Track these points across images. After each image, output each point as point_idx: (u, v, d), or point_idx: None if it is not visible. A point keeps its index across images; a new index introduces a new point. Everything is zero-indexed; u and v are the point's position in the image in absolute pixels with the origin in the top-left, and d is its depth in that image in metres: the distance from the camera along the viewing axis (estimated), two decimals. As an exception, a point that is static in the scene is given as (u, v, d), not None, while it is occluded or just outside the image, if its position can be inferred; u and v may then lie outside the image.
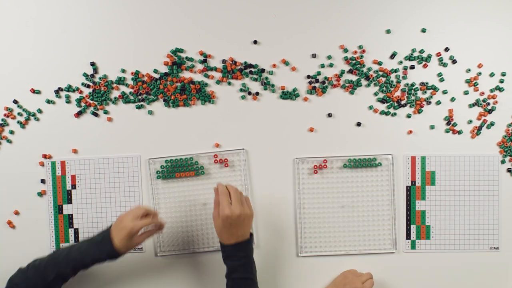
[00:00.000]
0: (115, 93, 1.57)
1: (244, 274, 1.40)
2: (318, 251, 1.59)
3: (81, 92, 1.57)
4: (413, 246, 1.59)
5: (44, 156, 1.57)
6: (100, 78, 1.56)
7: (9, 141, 1.57)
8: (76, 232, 1.58)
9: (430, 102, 1.58)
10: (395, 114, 1.58)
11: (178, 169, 1.57)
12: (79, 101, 1.56)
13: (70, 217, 1.58)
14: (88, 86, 1.56)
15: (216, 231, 1.41)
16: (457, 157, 1.58)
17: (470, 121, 1.58)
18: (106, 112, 1.57)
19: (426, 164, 1.58)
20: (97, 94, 1.56)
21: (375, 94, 1.58)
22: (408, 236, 1.59)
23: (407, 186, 1.59)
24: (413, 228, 1.59)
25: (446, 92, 1.58)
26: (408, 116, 1.58)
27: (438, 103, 1.58)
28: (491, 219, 1.59)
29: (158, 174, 1.57)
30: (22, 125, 1.56)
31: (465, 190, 1.59)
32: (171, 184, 1.58)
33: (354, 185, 1.58)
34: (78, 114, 1.56)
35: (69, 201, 1.58)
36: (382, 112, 1.58)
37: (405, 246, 1.59)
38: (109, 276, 1.58)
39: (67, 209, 1.58)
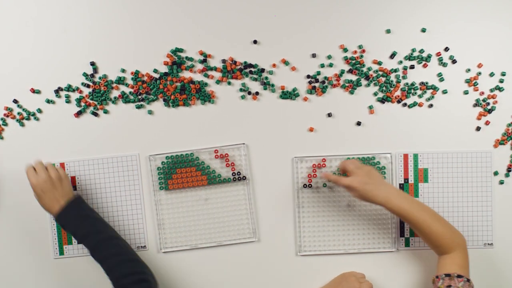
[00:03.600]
0: (115, 93, 1.57)
1: (87, 229, 1.44)
2: (317, 250, 1.60)
3: (81, 92, 1.57)
4: (407, 243, 1.60)
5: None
6: (100, 78, 1.56)
7: (9, 141, 1.57)
8: (79, 233, 1.59)
9: (431, 105, 1.58)
10: (394, 113, 1.58)
11: (178, 165, 1.57)
12: (79, 101, 1.56)
13: (72, 218, 1.59)
14: (88, 86, 1.56)
15: (41, 205, 1.47)
16: (449, 154, 1.58)
17: (470, 121, 1.58)
18: (106, 112, 1.57)
19: (419, 161, 1.59)
20: (97, 94, 1.56)
21: (375, 94, 1.58)
22: (402, 233, 1.60)
23: (400, 184, 1.59)
24: (407, 225, 1.60)
25: (446, 92, 1.58)
26: (408, 115, 1.58)
27: (438, 103, 1.58)
28: (484, 216, 1.59)
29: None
30: (22, 124, 1.57)
31: (458, 187, 1.59)
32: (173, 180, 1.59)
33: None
34: (78, 114, 1.57)
35: (71, 203, 1.58)
36: (382, 112, 1.58)
37: (399, 243, 1.60)
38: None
39: (69, 211, 1.58)
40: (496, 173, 1.59)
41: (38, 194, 1.45)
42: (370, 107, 1.58)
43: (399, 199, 1.41)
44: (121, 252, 1.44)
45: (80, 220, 1.44)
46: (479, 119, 1.58)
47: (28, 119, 1.57)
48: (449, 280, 1.35)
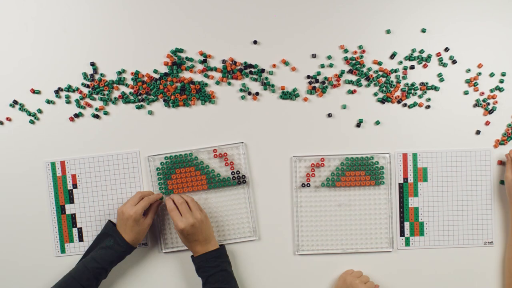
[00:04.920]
0: (115, 93, 1.57)
1: (216, 285, 1.45)
2: (315, 249, 1.60)
3: (81, 92, 1.57)
4: (407, 243, 1.61)
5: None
6: (99, 79, 1.56)
7: (10, 141, 1.57)
8: (80, 231, 1.59)
9: (431, 105, 1.58)
10: (394, 113, 1.58)
11: (178, 165, 1.58)
12: (78, 101, 1.57)
13: (73, 216, 1.59)
14: (88, 86, 1.57)
15: (184, 244, 1.51)
16: (448, 153, 1.58)
17: (470, 121, 1.58)
18: (106, 113, 1.57)
19: (418, 160, 1.59)
20: (97, 89, 1.56)
21: (375, 94, 1.58)
22: (402, 233, 1.60)
23: (399, 183, 1.60)
24: (406, 225, 1.60)
25: (446, 92, 1.58)
26: (408, 115, 1.59)
27: (438, 103, 1.58)
28: (484, 214, 1.60)
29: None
30: (23, 125, 1.57)
31: (458, 186, 1.59)
32: (173, 180, 1.59)
33: (351, 183, 1.59)
34: (78, 115, 1.57)
35: (71, 200, 1.59)
36: (382, 112, 1.58)
37: (399, 243, 1.60)
38: (113, 273, 1.59)
39: (69, 208, 1.59)
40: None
41: (184, 237, 1.47)
42: (370, 107, 1.58)
43: None
44: None
45: (212, 272, 1.46)
46: (479, 119, 1.59)
47: (32, 121, 1.57)
48: None
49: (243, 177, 1.59)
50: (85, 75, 1.56)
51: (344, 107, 1.58)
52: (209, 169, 1.59)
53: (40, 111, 1.57)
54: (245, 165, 1.59)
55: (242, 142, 1.58)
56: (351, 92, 1.58)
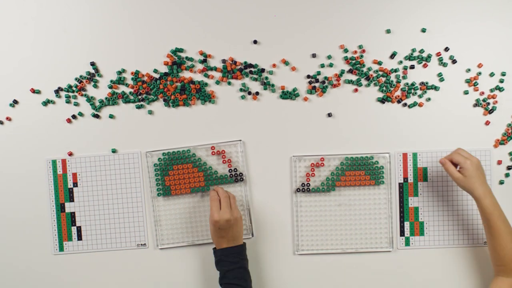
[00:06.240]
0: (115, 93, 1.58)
1: (234, 281, 1.44)
2: (315, 249, 1.60)
3: (81, 93, 1.57)
4: (407, 243, 1.61)
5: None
6: (94, 81, 1.57)
7: (10, 140, 1.58)
8: (79, 230, 1.60)
9: (431, 105, 1.58)
10: (394, 113, 1.58)
11: (175, 161, 1.58)
12: (76, 101, 1.57)
13: (72, 215, 1.59)
14: (89, 79, 1.57)
15: (211, 236, 1.48)
16: (448, 152, 1.57)
17: (470, 121, 1.58)
18: (106, 113, 1.58)
19: (418, 160, 1.59)
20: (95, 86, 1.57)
21: (375, 94, 1.58)
22: (402, 233, 1.60)
23: (399, 183, 1.60)
24: (406, 225, 1.60)
25: (446, 92, 1.58)
26: (408, 115, 1.59)
27: (438, 103, 1.58)
28: (484, 214, 1.60)
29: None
30: (23, 124, 1.57)
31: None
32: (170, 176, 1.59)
33: (351, 183, 1.59)
34: (78, 115, 1.57)
35: (71, 199, 1.59)
36: (382, 112, 1.58)
37: (399, 243, 1.60)
38: (111, 271, 1.60)
39: (69, 207, 1.59)
40: (507, 175, 1.60)
41: (214, 229, 1.46)
42: (370, 107, 1.58)
43: (493, 200, 1.44)
44: None
45: (232, 267, 1.45)
46: (479, 119, 1.59)
47: (32, 121, 1.58)
48: None
49: (241, 175, 1.59)
50: (85, 76, 1.57)
51: (343, 107, 1.58)
52: (206, 166, 1.59)
53: (40, 110, 1.57)
54: (243, 163, 1.59)
55: (240, 140, 1.58)
56: (351, 92, 1.57)
